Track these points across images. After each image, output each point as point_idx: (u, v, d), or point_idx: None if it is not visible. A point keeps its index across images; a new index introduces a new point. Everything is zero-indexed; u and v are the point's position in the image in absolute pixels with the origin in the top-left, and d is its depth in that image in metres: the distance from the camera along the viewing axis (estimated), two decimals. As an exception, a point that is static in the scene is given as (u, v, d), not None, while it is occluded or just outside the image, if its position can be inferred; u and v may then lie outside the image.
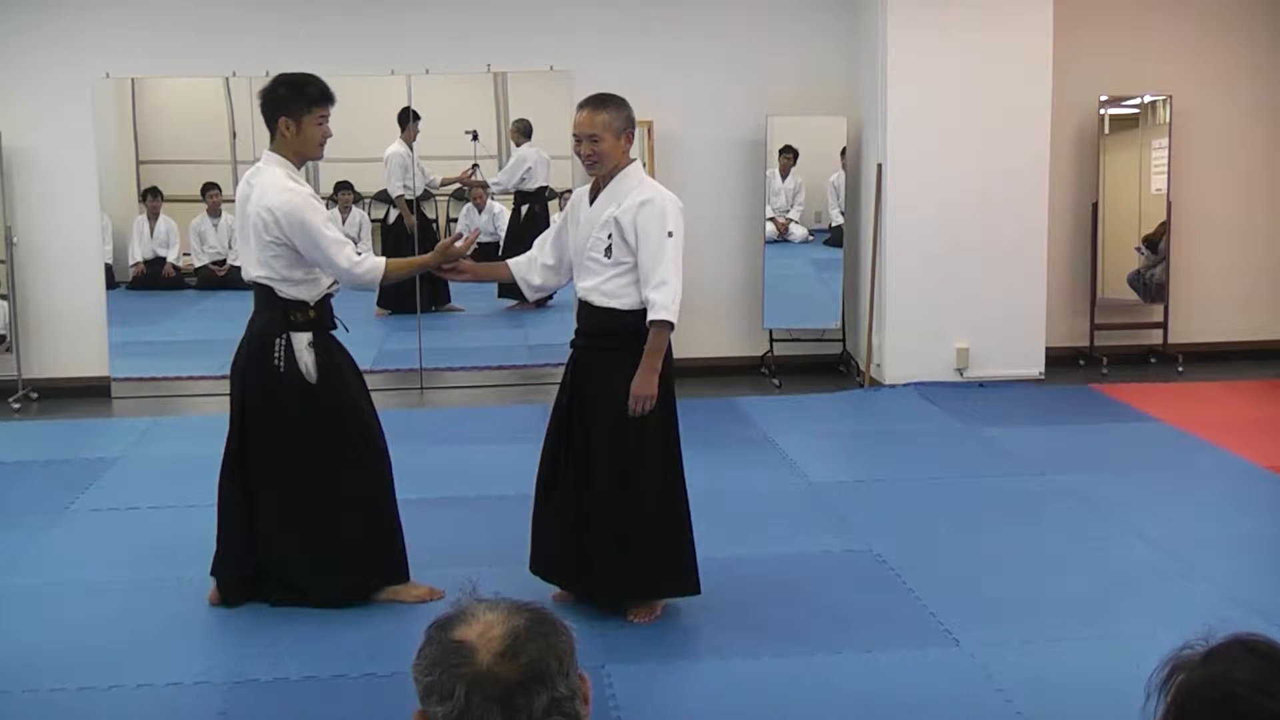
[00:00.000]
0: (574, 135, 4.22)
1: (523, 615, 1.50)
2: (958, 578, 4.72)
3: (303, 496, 4.41)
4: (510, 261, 4.59)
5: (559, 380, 4.48)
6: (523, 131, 8.38)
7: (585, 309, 4.30)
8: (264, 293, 4.35)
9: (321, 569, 4.41)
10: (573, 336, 4.40)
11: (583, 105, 4.24)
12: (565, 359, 4.46)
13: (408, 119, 8.22)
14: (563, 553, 4.33)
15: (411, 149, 8.31)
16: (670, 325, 4.14)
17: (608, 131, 4.16)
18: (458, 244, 4.47)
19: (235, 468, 4.49)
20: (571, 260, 4.36)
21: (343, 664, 4.04)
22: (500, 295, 8.40)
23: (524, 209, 8.60)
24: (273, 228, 4.21)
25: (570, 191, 8.32)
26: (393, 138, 8.32)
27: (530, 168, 8.47)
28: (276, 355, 4.33)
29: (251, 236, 4.28)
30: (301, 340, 4.33)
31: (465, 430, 7.09)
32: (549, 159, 8.47)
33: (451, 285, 8.18)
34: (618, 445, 4.21)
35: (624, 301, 4.19)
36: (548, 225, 8.73)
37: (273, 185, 4.24)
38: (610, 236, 4.16)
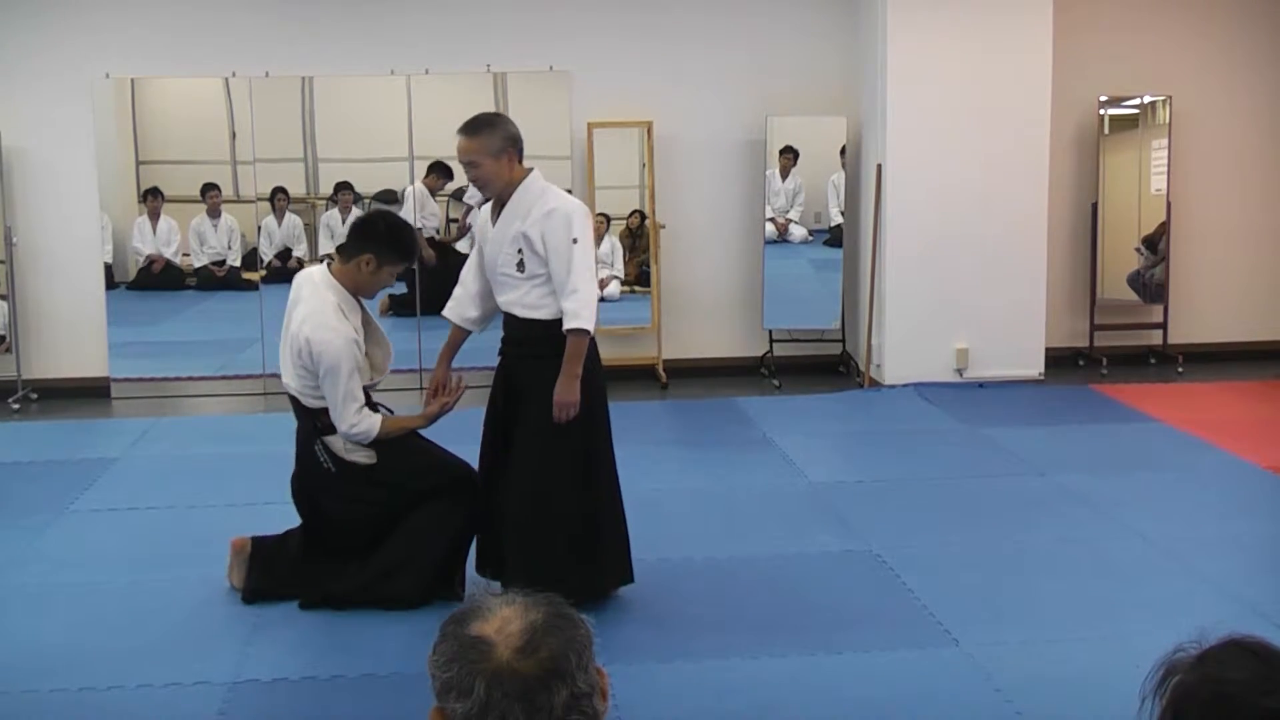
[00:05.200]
0: (460, 162, 4.24)
1: (540, 609, 1.48)
2: (958, 578, 4.72)
3: (377, 549, 4.48)
4: (446, 314, 4.56)
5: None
6: None
7: (510, 320, 4.31)
8: (294, 400, 4.45)
9: (394, 582, 4.46)
10: (500, 346, 4.40)
11: (459, 131, 4.21)
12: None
13: (434, 170, 8.25)
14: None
15: (433, 196, 8.34)
16: (586, 332, 4.13)
17: (485, 155, 4.14)
18: (449, 404, 4.51)
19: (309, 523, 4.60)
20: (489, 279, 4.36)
21: (343, 664, 4.04)
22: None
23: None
24: (304, 356, 4.29)
25: (569, 191, 8.33)
26: (393, 137, 8.29)
27: (448, 164, 8.43)
28: (322, 461, 4.43)
29: (288, 346, 4.36)
30: (338, 441, 4.40)
31: (465, 430, 7.07)
32: None
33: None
34: (545, 451, 4.22)
35: (546, 312, 4.20)
36: None
37: (319, 317, 4.27)
38: (520, 251, 4.16)
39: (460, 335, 4.57)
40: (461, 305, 4.51)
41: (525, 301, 4.22)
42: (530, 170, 4.24)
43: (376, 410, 4.48)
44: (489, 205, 4.35)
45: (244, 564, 4.58)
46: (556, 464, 4.25)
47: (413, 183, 8.33)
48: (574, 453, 4.27)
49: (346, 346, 4.27)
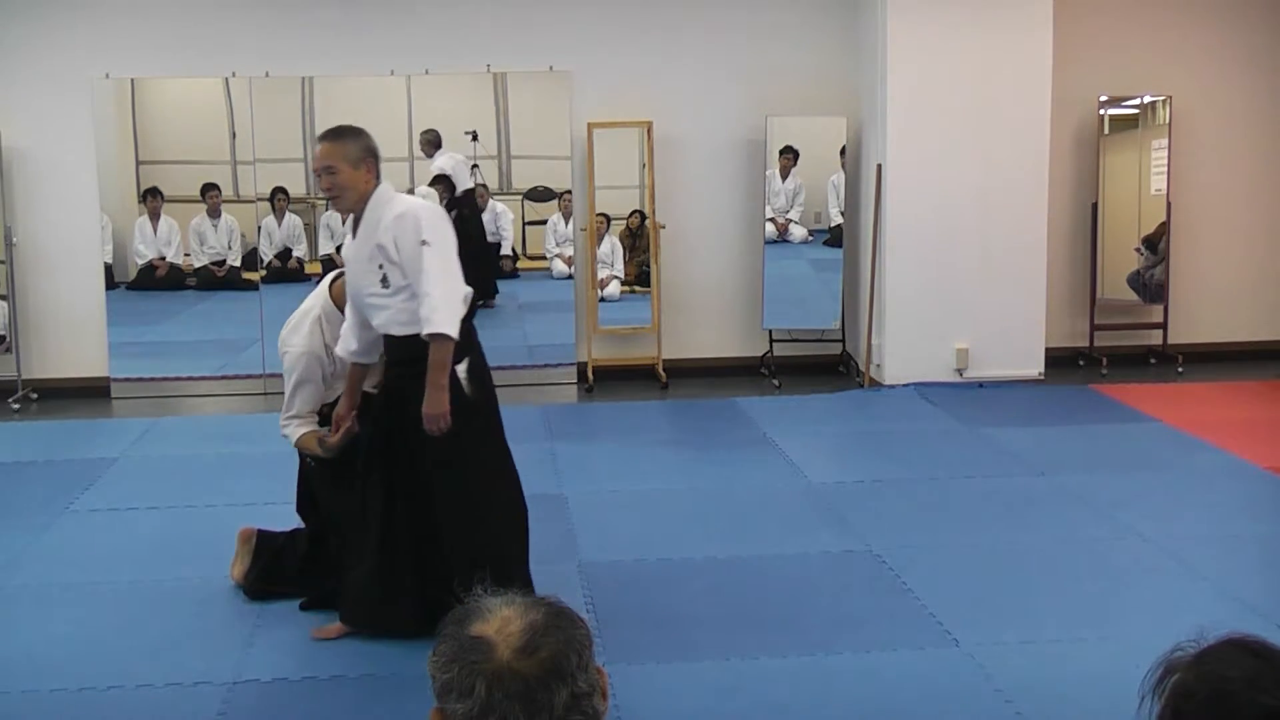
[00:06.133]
0: (315, 171, 4.11)
1: (539, 609, 1.48)
2: (958, 578, 4.72)
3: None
4: (341, 355, 4.31)
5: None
6: (432, 143, 8.29)
7: (390, 341, 4.13)
8: None
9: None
10: (384, 368, 4.25)
11: (319, 139, 4.13)
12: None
13: (437, 181, 8.29)
14: (407, 588, 4.16)
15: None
16: (445, 337, 3.93)
17: (344, 162, 4.00)
18: (330, 440, 4.35)
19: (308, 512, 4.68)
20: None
21: (343, 664, 4.04)
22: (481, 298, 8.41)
23: (453, 214, 8.54)
24: (280, 352, 4.45)
25: (569, 192, 8.34)
26: (393, 137, 8.28)
27: (449, 176, 8.46)
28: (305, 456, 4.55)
29: None
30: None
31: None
32: (464, 159, 8.44)
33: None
34: (446, 470, 4.08)
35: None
36: (480, 227, 8.59)
37: (294, 322, 4.42)
38: (381, 266, 4.00)
39: (357, 370, 4.33)
40: (345, 339, 4.29)
41: (399, 319, 4.03)
42: (381, 183, 4.09)
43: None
44: (348, 234, 4.19)
45: (248, 554, 4.61)
46: (477, 468, 4.14)
47: (415, 188, 8.33)
48: (487, 452, 4.18)
49: (302, 358, 4.34)
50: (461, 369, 4.11)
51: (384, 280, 4.03)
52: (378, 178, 4.09)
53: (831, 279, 8.42)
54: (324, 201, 8.49)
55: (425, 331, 3.93)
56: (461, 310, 4.02)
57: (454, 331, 3.93)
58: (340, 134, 4.09)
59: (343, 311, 4.38)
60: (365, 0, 8.05)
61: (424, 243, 3.95)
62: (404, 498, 4.16)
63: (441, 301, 3.93)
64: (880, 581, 4.70)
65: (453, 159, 8.40)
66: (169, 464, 6.44)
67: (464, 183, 8.44)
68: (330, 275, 4.56)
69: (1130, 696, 1.50)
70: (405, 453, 4.11)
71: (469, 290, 4.14)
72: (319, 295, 4.46)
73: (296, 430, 4.41)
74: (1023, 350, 7.88)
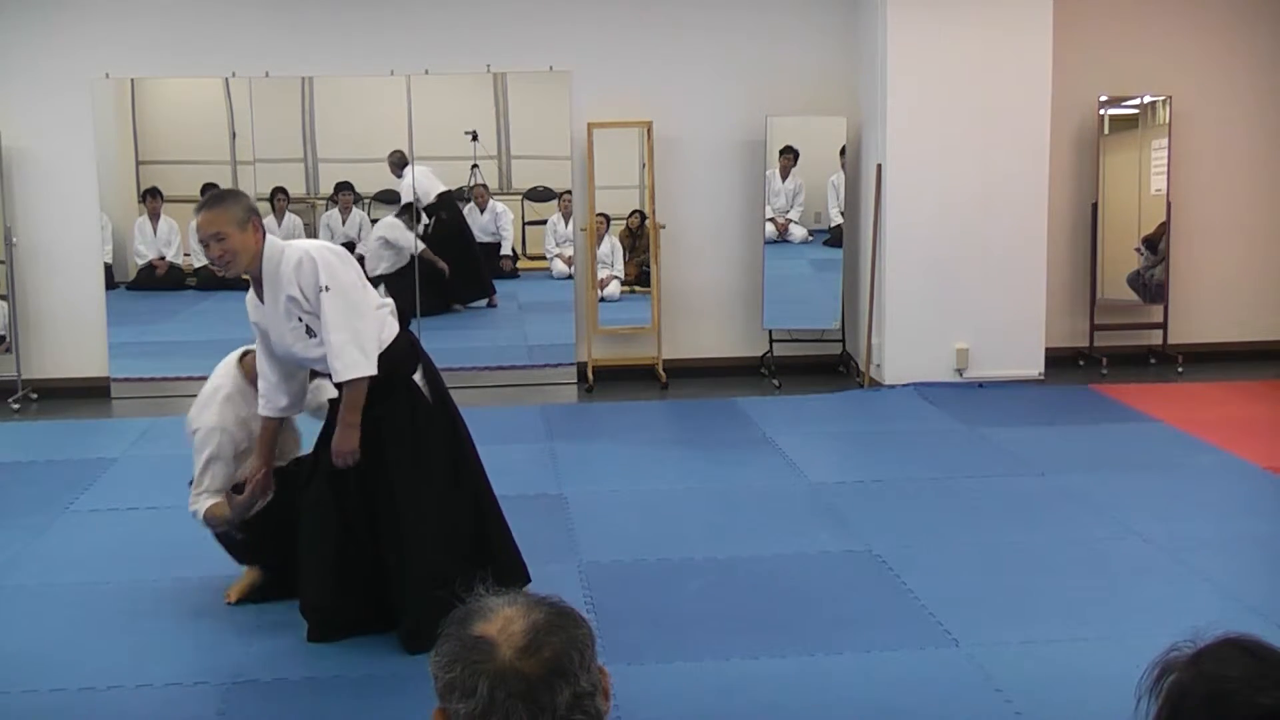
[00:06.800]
0: (201, 243, 4.03)
1: (541, 609, 1.48)
2: (958, 578, 4.72)
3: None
4: (261, 412, 4.28)
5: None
6: (397, 164, 8.31)
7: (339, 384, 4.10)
8: None
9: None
10: (329, 401, 4.27)
11: (198, 209, 4.03)
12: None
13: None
14: (371, 599, 4.20)
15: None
16: (356, 381, 3.97)
17: (231, 226, 3.94)
18: (240, 497, 4.34)
19: None
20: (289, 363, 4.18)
21: (343, 664, 4.04)
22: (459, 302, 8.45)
23: (432, 220, 8.56)
24: (189, 430, 4.45)
25: (569, 192, 8.34)
26: (393, 137, 8.29)
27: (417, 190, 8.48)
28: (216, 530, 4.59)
29: None
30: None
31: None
32: (429, 171, 8.47)
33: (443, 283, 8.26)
34: (405, 490, 4.11)
35: None
36: (461, 227, 8.50)
37: (203, 399, 4.45)
38: (301, 319, 3.98)
39: (271, 424, 4.29)
40: (271, 397, 4.24)
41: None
42: (267, 236, 4.05)
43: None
44: (250, 294, 4.15)
45: (252, 582, 4.60)
46: (437, 475, 4.17)
47: (415, 196, 8.34)
48: (442, 471, 4.20)
49: (214, 433, 4.36)
50: (419, 377, 4.18)
51: (308, 331, 4.01)
52: (264, 234, 4.04)
53: (831, 279, 8.42)
54: (323, 201, 8.51)
55: (334, 381, 3.99)
56: (381, 337, 4.04)
57: (363, 371, 3.96)
58: (220, 199, 4.04)
59: (255, 386, 4.31)
60: (365, 0, 8.05)
61: (323, 289, 3.94)
62: (358, 509, 4.16)
63: (344, 346, 3.94)
64: (880, 581, 4.70)
65: (421, 172, 8.39)
66: (169, 464, 6.41)
67: (436, 188, 8.48)
68: (238, 351, 4.53)
69: (1129, 696, 1.49)
70: (360, 474, 4.11)
71: (389, 304, 4.17)
72: (227, 372, 4.46)
73: (205, 503, 4.39)
74: (1023, 350, 7.88)
